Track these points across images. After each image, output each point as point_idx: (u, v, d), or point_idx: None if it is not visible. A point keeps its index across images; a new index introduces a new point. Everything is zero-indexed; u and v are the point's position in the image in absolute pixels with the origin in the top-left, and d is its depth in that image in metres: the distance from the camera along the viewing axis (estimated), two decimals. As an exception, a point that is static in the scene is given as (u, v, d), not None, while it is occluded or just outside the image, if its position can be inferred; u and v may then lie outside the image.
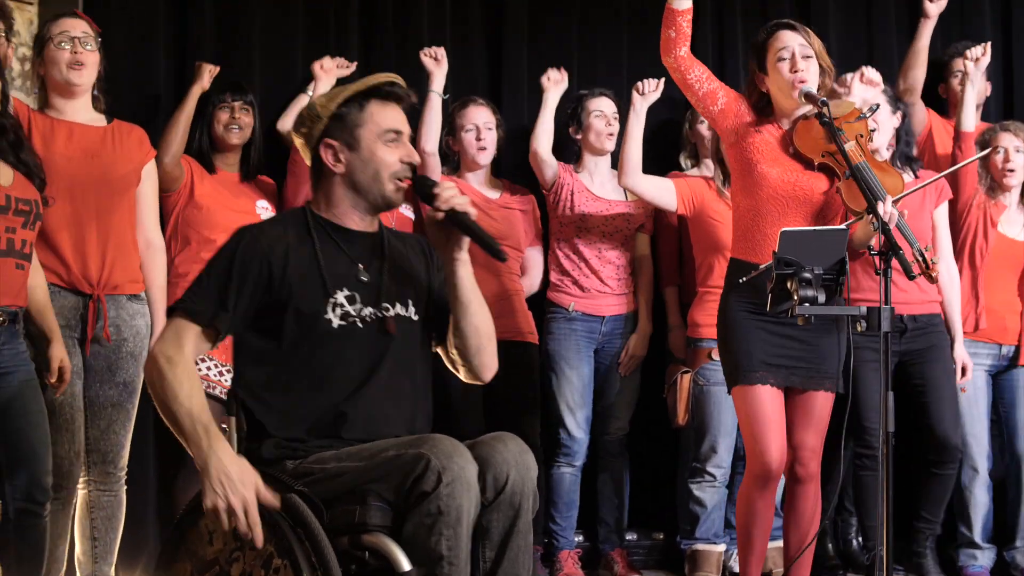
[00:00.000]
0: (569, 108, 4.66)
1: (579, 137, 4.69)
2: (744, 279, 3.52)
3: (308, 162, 2.89)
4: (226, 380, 4.13)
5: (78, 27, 3.79)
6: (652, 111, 4.49)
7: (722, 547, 4.52)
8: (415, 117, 4.50)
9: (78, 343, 3.74)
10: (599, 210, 4.62)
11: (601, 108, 4.64)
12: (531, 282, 4.70)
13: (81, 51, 3.77)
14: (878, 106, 3.97)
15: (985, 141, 4.57)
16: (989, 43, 4.56)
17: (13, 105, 3.61)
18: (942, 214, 4.49)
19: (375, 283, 2.82)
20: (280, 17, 4.83)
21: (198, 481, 4.04)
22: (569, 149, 4.71)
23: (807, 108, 3.63)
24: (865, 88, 4.19)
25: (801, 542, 3.67)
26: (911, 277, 3.39)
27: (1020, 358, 4.61)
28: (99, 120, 3.88)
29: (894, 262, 3.30)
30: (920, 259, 3.65)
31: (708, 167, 4.62)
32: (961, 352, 4.49)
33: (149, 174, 3.97)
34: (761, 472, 3.58)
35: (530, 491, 2.64)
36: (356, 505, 2.55)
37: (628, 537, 4.80)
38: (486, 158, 4.60)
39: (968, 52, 4.53)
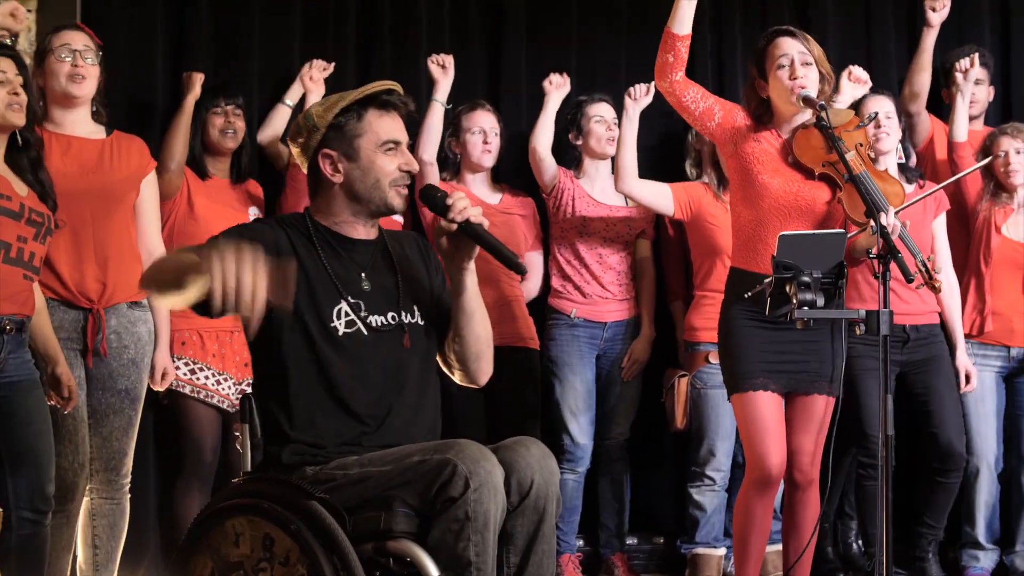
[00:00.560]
0: (568, 114, 4.66)
1: (579, 143, 4.70)
2: (750, 294, 3.48)
3: (305, 171, 2.87)
4: (224, 389, 4.14)
5: (79, 40, 3.79)
6: (657, 120, 4.50)
7: (722, 551, 4.52)
8: (414, 125, 4.52)
9: (80, 355, 3.74)
10: (600, 215, 4.62)
11: (601, 113, 4.64)
12: (531, 286, 4.70)
13: (82, 64, 3.76)
14: (876, 114, 3.98)
15: (987, 147, 4.59)
16: (976, 55, 4.58)
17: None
18: (940, 225, 4.51)
19: (380, 291, 2.82)
20: (277, 26, 4.84)
21: (200, 488, 4.11)
22: (569, 155, 4.72)
23: (806, 116, 3.63)
24: (854, 86, 4.20)
25: (800, 547, 3.67)
26: (909, 280, 3.39)
27: None
28: (99, 132, 3.87)
29: (893, 267, 3.30)
30: (923, 270, 3.65)
31: (710, 175, 4.61)
32: (964, 360, 4.50)
33: (149, 184, 3.96)
34: (761, 478, 3.58)
35: (554, 495, 2.65)
36: (381, 511, 2.54)
37: (629, 541, 4.80)
38: (490, 160, 4.61)
39: (957, 64, 4.56)
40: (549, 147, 4.57)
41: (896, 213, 3.51)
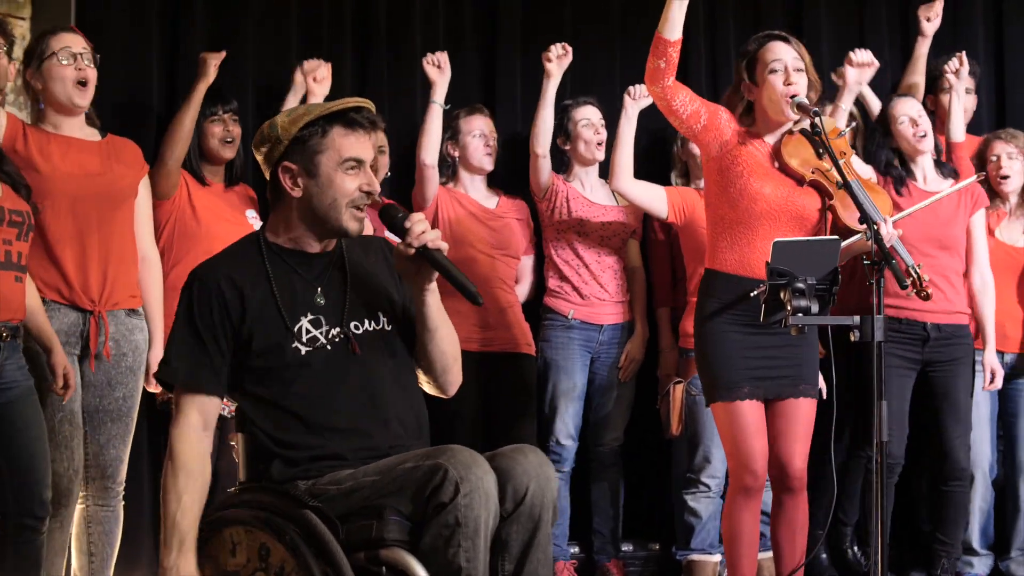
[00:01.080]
0: (555, 119, 4.62)
1: (568, 148, 4.69)
2: (755, 292, 3.45)
3: (267, 179, 2.84)
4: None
5: (78, 43, 3.78)
6: (644, 126, 4.49)
7: (717, 557, 4.50)
8: (413, 128, 4.52)
9: (78, 360, 3.73)
10: (595, 215, 4.62)
11: (587, 117, 4.64)
12: (523, 290, 4.71)
13: (84, 68, 3.75)
14: (855, 123, 3.98)
15: (981, 152, 4.60)
16: (964, 52, 4.58)
17: (4, 121, 3.60)
18: (978, 221, 4.47)
19: (338, 303, 2.79)
20: (273, 31, 4.84)
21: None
22: (559, 160, 4.71)
23: (794, 119, 3.63)
24: (859, 71, 4.16)
25: (793, 552, 3.68)
26: (903, 287, 3.40)
27: None
28: (94, 135, 3.88)
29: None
30: (915, 276, 3.66)
31: (699, 185, 4.61)
32: (992, 359, 4.48)
33: (143, 187, 3.96)
34: (745, 483, 3.59)
35: (550, 503, 2.63)
36: (373, 520, 2.54)
37: (623, 548, 4.79)
38: (490, 164, 4.61)
39: (946, 66, 4.56)
40: (548, 146, 4.54)
41: (892, 222, 3.53)
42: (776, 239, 3.35)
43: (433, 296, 2.79)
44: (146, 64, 4.66)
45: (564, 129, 4.67)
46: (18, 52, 4.11)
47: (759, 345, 3.57)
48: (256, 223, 4.33)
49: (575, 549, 4.73)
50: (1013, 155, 4.59)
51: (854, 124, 4.03)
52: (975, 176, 4.36)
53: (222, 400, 2.78)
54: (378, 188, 2.82)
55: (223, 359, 2.72)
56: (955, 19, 5.12)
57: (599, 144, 4.62)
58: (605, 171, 4.57)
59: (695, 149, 4.66)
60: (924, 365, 4.36)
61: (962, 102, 4.59)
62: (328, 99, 4.52)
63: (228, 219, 4.26)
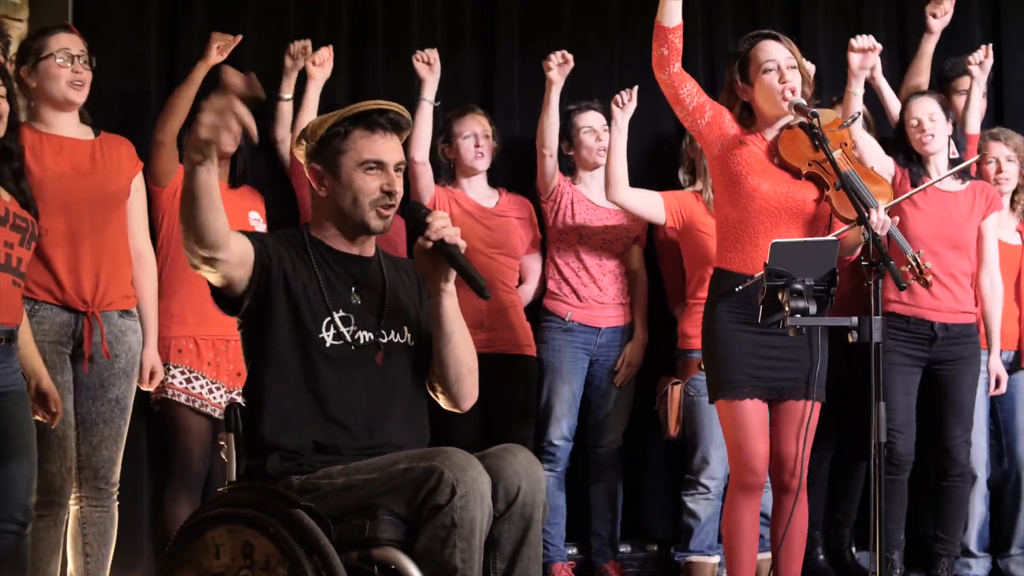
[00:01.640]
0: (559, 124, 4.63)
1: (571, 153, 4.70)
2: (740, 287, 3.52)
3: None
4: (216, 398, 4.12)
5: (76, 44, 3.78)
6: (644, 128, 4.49)
7: (716, 559, 4.51)
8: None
9: (69, 359, 3.73)
10: (599, 219, 4.62)
11: (590, 123, 4.64)
12: (528, 290, 4.71)
13: (81, 70, 3.76)
14: (858, 114, 3.98)
15: (979, 150, 4.60)
16: (990, 44, 4.56)
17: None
18: (991, 224, 4.46)
19: (371, 308, 2.84)
20: (272, 29, 4.83)
21: (188, 495, 4.10)
22: (563, 165, 4.71)
23: (790, 117, 3.65)
24: (863, 56, 4.15)
25: (790, 551, 3.68)
26: (902, 288, 3.40)
27: (1022, 362, 4.63)
28: (87, 133, 3.87)
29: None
30: (914, 264, 3.66)
31: (704, 184, 4.61)
32: (996, 364, 4.49)
33: (138, 187, 3.96)
34: (745, 482, 3.60)
35: (540, 502, 2.66)
36: (366, 519, 2.56)
37: (622, 549, 4.79)
38: (484, 164, 4.60)
39: (971, 57, 4.53)
40: (555, 147, 4.55)
41: (886, 209, 3.52)
42: (774, 240, 3.36)
43: (450, 299, 2.82)
44: (145, 63, 4.66)
45: (567, 135, 4.66)
46: (15, 51, 4.10)
47: (765, 345, 3.58)
48: (259, 225, 4.32)
49: (573, 550, 4.73)
50: (1012, 158, 4.60)
51: (859, 114, 4.02)
52: (974, 159, 4.37)
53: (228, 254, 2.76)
54: (399, 189, 2.86)
55: (261, 257, 2.77)
56: (953, 17, 5.10)
57: (600, 150, 4.61)
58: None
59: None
60: (930, 364, 4.36)
61: (982, 94, 4.57)
62: (325, 90, 4.56)
63: (230, 219, 4.24)
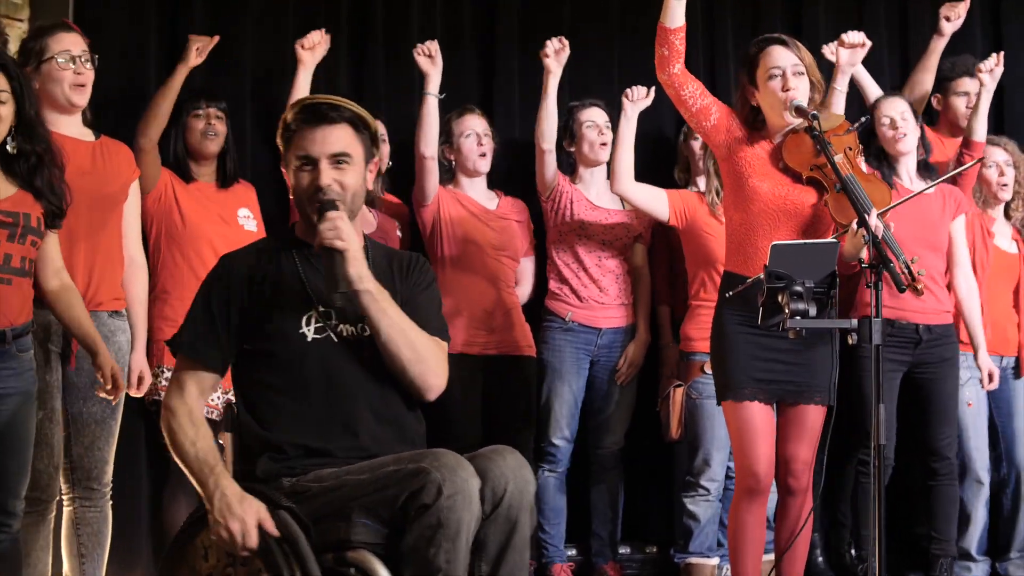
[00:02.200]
0: (560, 121, 4.62)
1: (573, 150, 4.69)
2: (731, 292, 3.53)
3: None
4: (213, 399, 4.11)
5: (78, 45, 3.77)
6: (644, 126, 4.48)
7: (715, 560, 4.51)
8: (410, 128, 4.51)
9: (60, 358, 3.72)
10: (599, 219, 4.62)
11: (592, 119, 4.63)
12: (523, 291, 4.70)
13: (83, 71, 3.75)
14: (867, 119, 3.98)
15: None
16: (1002, 52, 4.54)
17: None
18: (959, 227, 4.46)
19: (351, 302, 2.78)
20: (272, 29, 4.84)
21: (186, 495, 4.10)
22: (564, 162, 4.70)
23: (797, 122, 3.63)
24: (851, 52, 4.14)
25: (793, 554, 3.68)
26: (901, 290, 3.39)
27: (1021, 370, 4.63)
28: (88, 135, 3.87)
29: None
30: (906, 271, 3.65)
31: (703, 182, 4.61)
32: (986, 361, 4.49)
33: (134, 192, 3.96)
34: (750, 485, 3.60)
35: (527, 505, 2.63)
36: (342, 522, 2.57)
37: (621, 551, 4.79)
38: (486, 165, 4.59)
39: (982, 64, 4.51)
40: (554, 141, 4.53)
41: (881, 215, 3.51)
42: (774, 242, 3.35)
43: (365, 296, 2.73)
44: (145, 62, 4.66)
45: (569, 131, 4.66)
46: (15, 54, 4.09)
47: (772, 348, 3.57)
48: (248, 222, 4.32)
49: (573, 551, 4.73)
50: (1010, 163, 4.60)
51: (867, 119, 4.02)
52: (976, 160, 4.37)
53: (219, 378, 2.84)
54: (326, 183, 2.79)
55: (229, 338, 2.79)
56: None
57: (603, 145, 4.61)
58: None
59: (696, 146, 4.67)
60: (911, 367, 4.36)
61: (990, 100, 4.54)
62: (325, 91, 4.53)
63: (217, 219, 4.25)
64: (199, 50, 4.32)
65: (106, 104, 4.17)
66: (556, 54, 4.48)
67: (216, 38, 4.35)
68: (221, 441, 2.85)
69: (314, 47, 4.49)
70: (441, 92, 4.46)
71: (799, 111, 3.56)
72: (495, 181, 4.75)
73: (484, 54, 5.08)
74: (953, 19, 4.73)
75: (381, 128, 4.52)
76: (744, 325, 3.58)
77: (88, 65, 3.77)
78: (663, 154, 4.90)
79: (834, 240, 3.47)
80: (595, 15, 5.13)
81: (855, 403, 4.17)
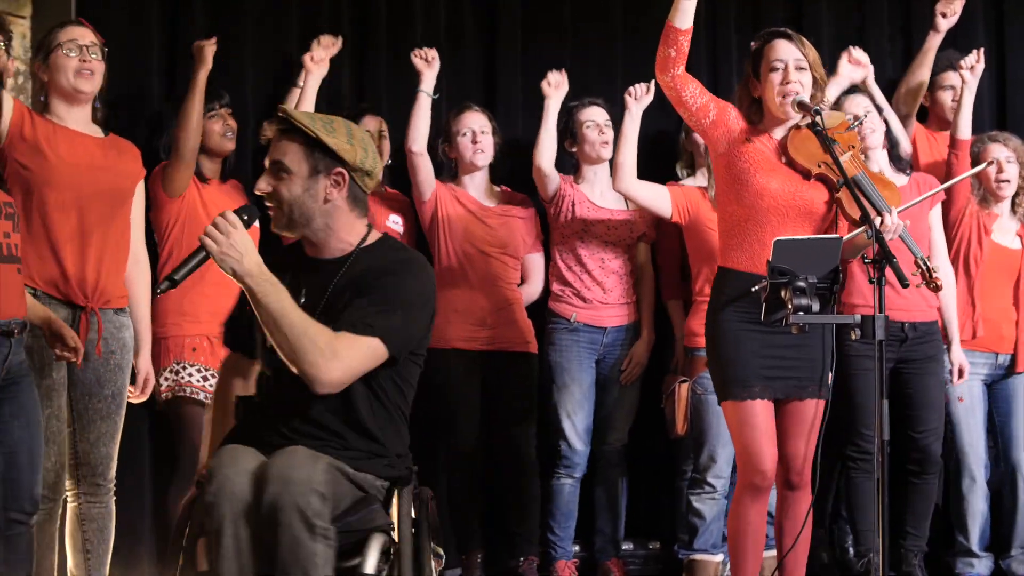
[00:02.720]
0: (561, 122, 4.62)
1: (574, 150, 4.69)
2: (756, 288, 3.45)
3: None
4: (209, 385, 4.12)
5: (86, 36, 3.78)
6: (648, 121, 4.48)
7: (720, 557, 4.49)
8: (404, 121, 4.52)
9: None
10: (601, 219, 4.61)
11: (592, 118, 4.63)
12: (532, 289, 4.69)
13: (89, 59, 3.76)
14: (867, 114, 3.98)
15: (976, 153, 4.59)
16: (982, 48, 4.56)
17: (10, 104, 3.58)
18: (936, 217, 4.49)
19: (307, 309, 2.78)
20: (272, 29, 4.84)
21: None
22: (567, 162, 4.71)
23: (797, 117, 3.63)
24: (853, 68, 4.15)
25: (796, 551, 3.67)
26: (905, 285, 3.38)
27: (1017, 366, 4.62)
28: (97, 132, 3.87)
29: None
30: (924, 268, 3.65)
31: (704, 176, 4.61)
32: (958, 355, 4.50)
33: (139, 191, 3.97)
34: (753, 482, 3.59)
35: (290, 505, 2.58)
36: None
37: (624, 547, 4.79)
38: (483, 160, 4.59)
39: (963, 61, 4.52)
40: (552, 161, 4.54)
41: (899, 212, 3.52)
42: (777, 237, 3.34)
43: (248, 286, 2.73)
44: (146, 61, 4.67)
45: (569, 132, 4.66)
46: (18, 51, 4.10)
47: (771, 344, 3.56)
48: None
49: (576, 548, 4.72)
50: (1012, 159, 4.59)
51: (866, 114, 4.02)
52: (986, 163, 4.37)
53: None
54: (262, 189, 2.87)
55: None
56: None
57: (604, 143, 4.61)
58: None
59: (699, 140, 4.67)
60: (896, 363, 4.36)
61: (972, 98, 4.54)
62: (326, 91, 4.55)
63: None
64: (212, 49, 4.25)
65: (106, 102, 4.16)
66: (556, 87, 4.53)
67: (215, 39, 4.34)
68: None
69: (320, 62, 4.49)
70: (438, 92, 4.49)
71: (801, 106, 3.55)
72: (499, 181, 4.74)
73: (486, 54, 5.08)
74: (949, 15, 4.72)
75: (383, 125, 4.56)
76: (744, 322, 3.56)
77: (95, 56, 3.77)
78: (664, 149, 4.90)
79: (837, 236, 3.47)
80: (596, 15, 5.13)
81: (844, 399, 4.17)
